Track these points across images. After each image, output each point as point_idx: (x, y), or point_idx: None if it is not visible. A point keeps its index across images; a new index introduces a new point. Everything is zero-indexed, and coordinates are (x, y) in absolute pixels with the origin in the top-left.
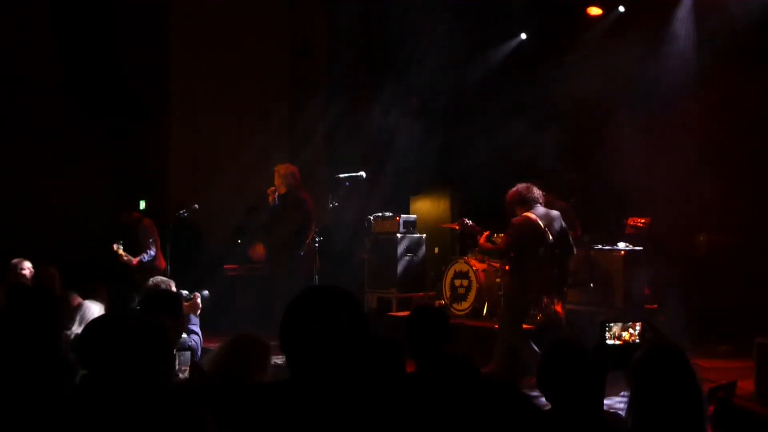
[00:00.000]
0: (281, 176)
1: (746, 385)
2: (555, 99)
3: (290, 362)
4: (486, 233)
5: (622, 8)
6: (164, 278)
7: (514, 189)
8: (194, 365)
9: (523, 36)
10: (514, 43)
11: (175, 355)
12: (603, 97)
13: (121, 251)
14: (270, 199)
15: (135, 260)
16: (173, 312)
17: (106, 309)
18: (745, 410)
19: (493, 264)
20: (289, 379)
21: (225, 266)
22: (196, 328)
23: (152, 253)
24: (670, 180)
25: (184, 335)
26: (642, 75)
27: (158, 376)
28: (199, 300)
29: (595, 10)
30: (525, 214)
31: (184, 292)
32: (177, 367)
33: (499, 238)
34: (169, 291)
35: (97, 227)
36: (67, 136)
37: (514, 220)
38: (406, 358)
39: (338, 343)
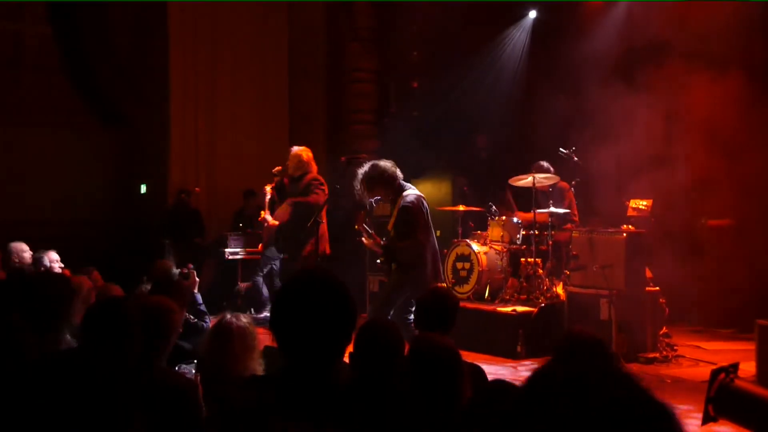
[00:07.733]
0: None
1: (748, 368)
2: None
3: (281, 349)
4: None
5: None
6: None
7: (379, 168)
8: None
9: (533, 14)
10: (526, 23)
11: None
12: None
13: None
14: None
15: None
16: (178, 295)
17: None
18: (746, 392)
19: (495, 247)
20: (282, 368)
21: (225, 249)
22: (204, 308)
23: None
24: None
25: (196, 320)
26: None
27: (153, 355)
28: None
29: None
30: (409, 193)
31: (176, 270)
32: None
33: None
34: (173, 276)
35: (97, 211)
36: (67, 121)
37: (409, 202)
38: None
39: (324, 333)
